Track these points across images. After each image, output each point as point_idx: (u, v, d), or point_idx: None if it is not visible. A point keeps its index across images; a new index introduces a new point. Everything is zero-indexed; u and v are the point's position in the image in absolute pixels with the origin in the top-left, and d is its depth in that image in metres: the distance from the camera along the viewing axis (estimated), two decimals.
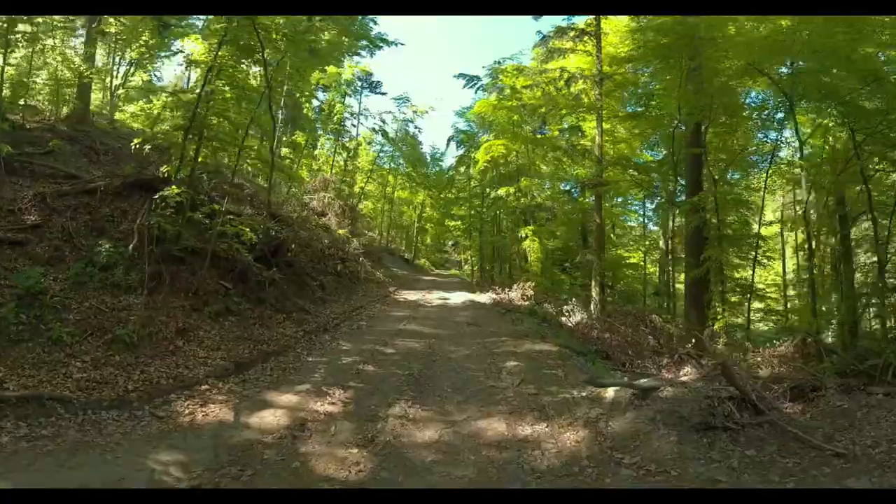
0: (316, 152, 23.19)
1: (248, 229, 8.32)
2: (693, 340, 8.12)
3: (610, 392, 5.40)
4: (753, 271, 14.16)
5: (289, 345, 7.44)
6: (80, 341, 5.68)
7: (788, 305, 16.66)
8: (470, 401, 5.57)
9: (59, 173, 9.09)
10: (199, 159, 8.26)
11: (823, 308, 11.93)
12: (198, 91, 8.06)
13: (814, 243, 12.69)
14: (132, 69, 17.51)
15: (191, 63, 8.71)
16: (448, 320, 10.58)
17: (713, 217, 12.93)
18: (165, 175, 8.11)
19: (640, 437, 4.41)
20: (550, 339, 8.74)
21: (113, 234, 7.71)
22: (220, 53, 8.00)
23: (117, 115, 14.97)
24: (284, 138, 19.20)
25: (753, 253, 14.04)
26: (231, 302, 7.78)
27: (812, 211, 12.36)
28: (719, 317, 12.12)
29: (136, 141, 8.45)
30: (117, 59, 17.38)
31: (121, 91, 17.05)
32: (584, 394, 5.62)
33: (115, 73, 17.55)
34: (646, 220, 21.81)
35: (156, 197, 7.49)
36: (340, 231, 17.16)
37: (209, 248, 7.82)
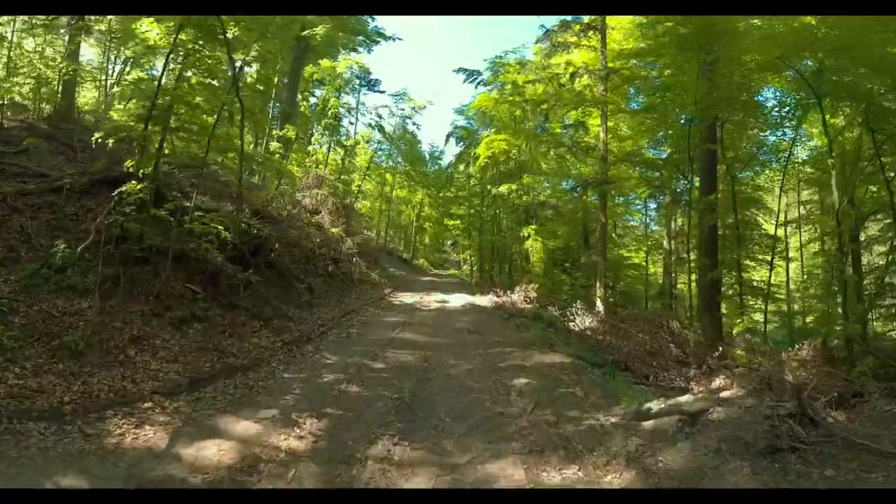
0: (310, 148, 22.37)
1: (220, 227, 7.45)
2: (720, 349, 7.30)
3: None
4: (770, 273, 13.65)
5: (262, 357, 6.53)
6: (24, 346, 5.25)
7: (795, 307, 16.21)
8: (474, 434, 4.52)
9: (29, 172, 8.70)
10: (167, 151, 7.43)
11: (839, 310, 11.39)
12: (158, 78, 7.23)
13: (830, 244, 12.17)
14: (127, 67, 16.87)
15: (148, 49, 7.84)
16: (446, 326, 9.76)
17: (730, 216, 12.25)
18: (131, 170, 7.32)
19: (706, 474, 3.68)
20: (560, 347, 7.94)
21: (74, 234, 7.16)
22: (180, 37, 7.11)
23: (112, 114, 14.26)
24: (276, 133, 18.36)
25: (770, 254, 13.55)
26: (198, 307, 6.91)
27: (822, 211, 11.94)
28: (738, 320, 11.43)
29: (97, 135, 7.67)
30: (113, 56, 16.92)
31: (116, 89, 16.34)
32: (613, 419, 4.77)
33: (110, 72, 17.10)
34: (648, 220, 21.52)
35: (114, 194, 6.74)
36: (334, 230, 16.27)
37: (172, 247, 7.00)
